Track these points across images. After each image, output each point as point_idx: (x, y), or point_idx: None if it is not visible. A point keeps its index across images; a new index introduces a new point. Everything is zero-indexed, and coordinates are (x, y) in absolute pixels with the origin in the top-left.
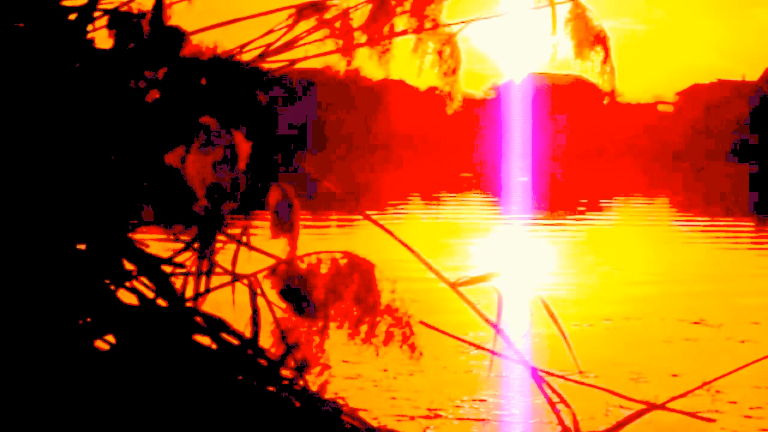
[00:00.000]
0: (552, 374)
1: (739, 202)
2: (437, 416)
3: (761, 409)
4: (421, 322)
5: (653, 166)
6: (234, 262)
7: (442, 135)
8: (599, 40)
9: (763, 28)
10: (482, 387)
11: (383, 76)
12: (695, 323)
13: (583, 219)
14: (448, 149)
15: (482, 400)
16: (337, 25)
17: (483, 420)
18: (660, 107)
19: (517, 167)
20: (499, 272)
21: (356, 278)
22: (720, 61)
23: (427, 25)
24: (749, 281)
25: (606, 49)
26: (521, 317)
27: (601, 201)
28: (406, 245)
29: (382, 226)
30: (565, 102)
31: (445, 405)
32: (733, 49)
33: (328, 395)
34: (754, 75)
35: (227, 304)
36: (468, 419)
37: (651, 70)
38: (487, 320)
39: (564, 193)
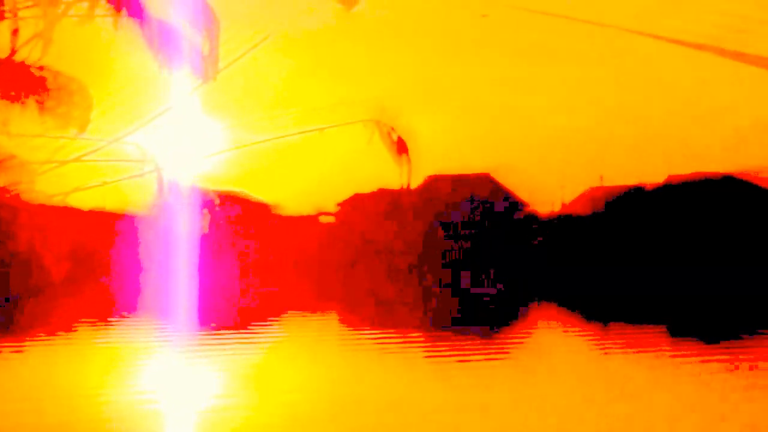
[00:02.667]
0: None
1: (409, 315)
2: None
3: None
4: None
5: (320, 278)
6: None
7: (106, 254)
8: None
9: (419, 136)
10: None
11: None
12: None
13: (252, 335)
14: (113, 268)
15: None
16: None
17: None
18: (322, 218)
19: (188, 284)
20: None
21: None
22: (380, 169)
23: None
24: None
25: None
26: None
27: (270, 317)
28: None
29: None
30: (231, 215)
31: None
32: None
33: None
34: (415, 182)
35: None
36: None
37: (312, 181)
38: None
39: (238, 310)
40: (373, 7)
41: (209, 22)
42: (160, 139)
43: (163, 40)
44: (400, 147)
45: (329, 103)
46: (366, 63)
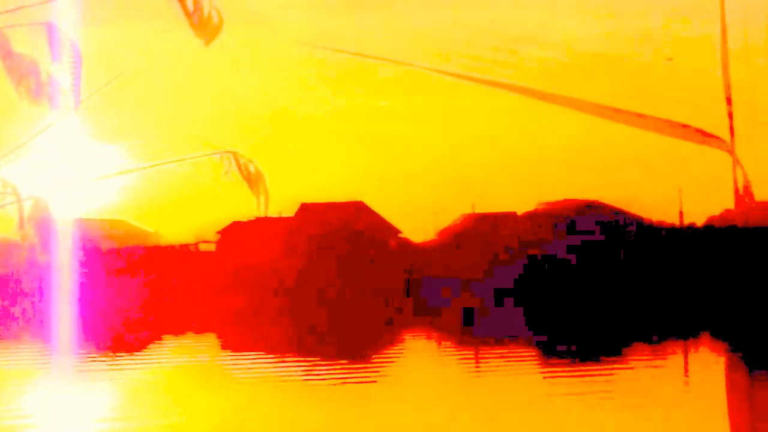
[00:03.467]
0: None
1: (287, 338)
2: None
3: None
4: None
5: (200, 303)
6: None
7: None
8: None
9: (288, 161)
10: None
11: None
12: None
13: (138, 359)
14: None
15: None
16: None
17: None
18: (201, 246)
19: (66, 310)
20: None
21: None
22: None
23: None
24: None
25: None
26: None
27: (153, 341)
28: None
29: None
30: (113, 244)
31: None
32: (269, 183)
33: None
34: (291, 211)
35: None
36: None
37: (192, 210)
38: None
39: (117, 334)
40: (233, 41)
41: (72, 56)
42: (25, 169)
43: (24, 73)
44: (257, 179)
45: (194, 133)
46: (233, 94)
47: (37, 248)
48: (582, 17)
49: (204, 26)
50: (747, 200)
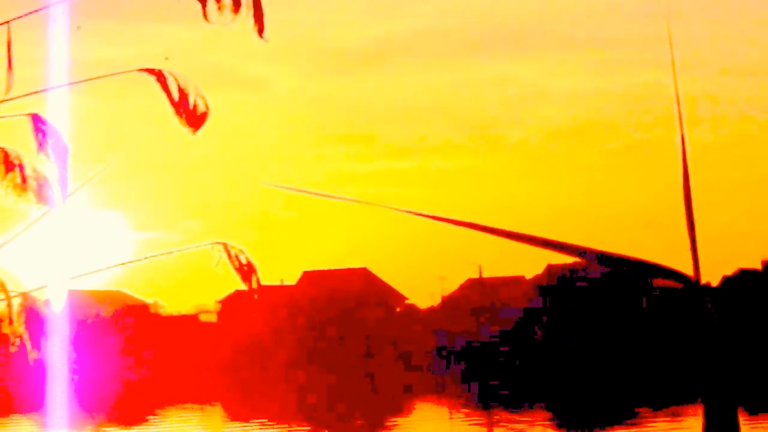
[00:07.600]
0: None
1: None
2: None
3: None
4: None
5: (203, 375)
6: None
7: None
8: None
9: (289, 229)
10: None
11: None
12: None
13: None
14: None
15: None
16: None
17: None
18: (202, 317)
19: (64, 383)
20: None
21: None
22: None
23: None
24: None
25: None
26: None
27: (156, 411)
28: None
29: None
30: (110, 317)
31: None
32: (270, 251)
33: None
34: (292, 278)
35: None
36: None
37: (191, 280)
38: None
39: (120, 406)
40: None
41: (58, 147)
42: (13, 265)
43: (9, 167)
44: (249, 270)
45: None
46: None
47: (27, 345)
48: None
49: (190, 115)
50: None
